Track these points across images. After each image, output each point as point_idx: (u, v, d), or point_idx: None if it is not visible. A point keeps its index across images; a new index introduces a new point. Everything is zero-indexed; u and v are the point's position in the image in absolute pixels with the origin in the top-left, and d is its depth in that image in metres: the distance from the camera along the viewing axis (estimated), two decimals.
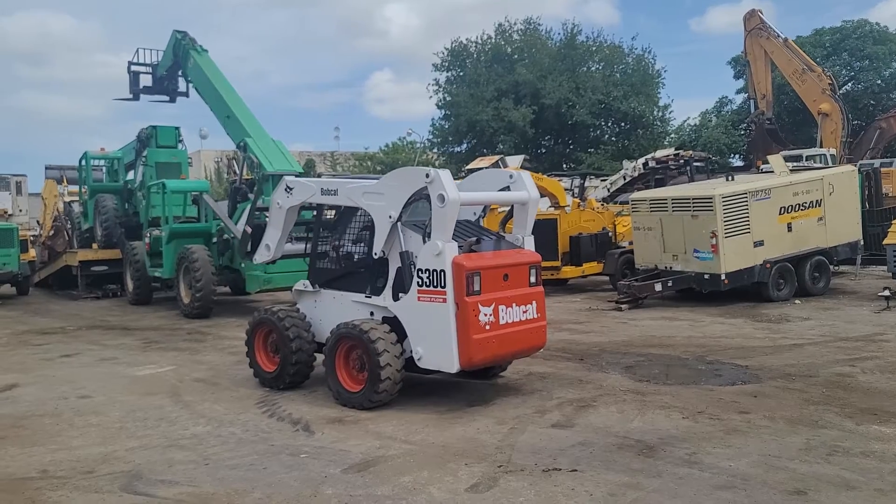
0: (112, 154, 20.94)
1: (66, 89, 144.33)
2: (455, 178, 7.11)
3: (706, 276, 13.59)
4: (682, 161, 20.80)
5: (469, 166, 26.57)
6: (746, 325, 11.69)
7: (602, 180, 31.46)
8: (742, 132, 40.90)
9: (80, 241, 20.79)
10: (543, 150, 44.45)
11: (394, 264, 7.32)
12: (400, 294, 7.21)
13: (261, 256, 8.95)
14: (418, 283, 6.96)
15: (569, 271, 16.98)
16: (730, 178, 15.43)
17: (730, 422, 6.42)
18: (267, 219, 9.19)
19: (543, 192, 16.73)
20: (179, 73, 20.06)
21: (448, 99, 43.65)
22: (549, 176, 20.01)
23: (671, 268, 14.26)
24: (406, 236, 7.16)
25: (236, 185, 15.61)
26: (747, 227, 13.60)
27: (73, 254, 19.71)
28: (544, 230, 15.18)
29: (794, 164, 20.86)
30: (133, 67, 20.98)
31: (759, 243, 13.69)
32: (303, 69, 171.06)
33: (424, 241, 6.98)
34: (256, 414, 7.21)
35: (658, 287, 14.01)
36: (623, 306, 13.78)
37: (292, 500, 4.98)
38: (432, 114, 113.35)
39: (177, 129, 19.13)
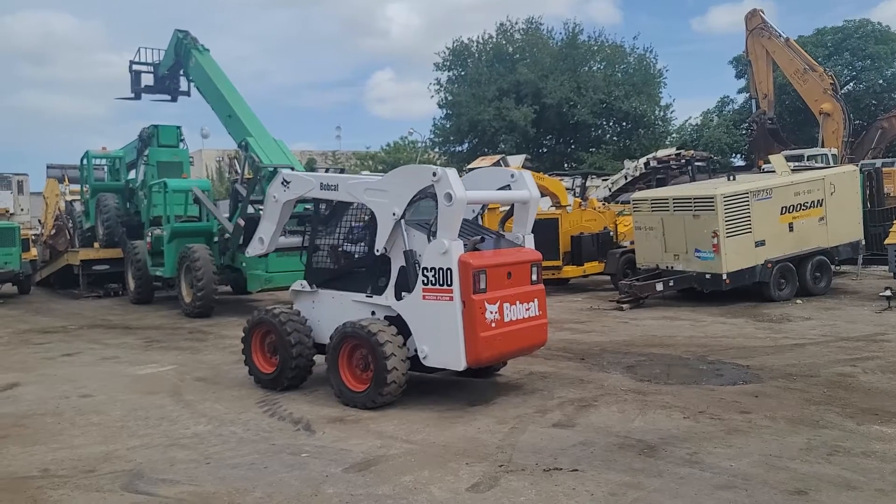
0: (114, 153, 20.97)
1: (68, 88, 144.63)
2: None
3: (707, 276, 13.59)
4: (683, 161, 20.78)
5: (470, 166, 26.55)
6: (748, 324, 11.69)
7: (603, 180, 31.45)
8: (743, 132, 40.85)
9: (81, 241, 20.80)
10: (545, 150, 44.45)
11: (396, 263, 7.31)
12: (403, 293, 7.21)
13: (253, 249, 8.85)
14: (423, 281, 6.97)
15: (570, 271, 16.98)
16: (731, 177, 15.42)
17: (731, 422, 6.42)
18: (261, 212, 9.13)
19: (545, 192, 16.75)
20: (181, 72, 20.10)
21: (449, 98, 43.66)
22: (550, 175, 20.03)
23: (672, 267, 14.25)
24: (410, 235, 7.16)
25: (237, 186, 15.61)
26: (749, 226, 13.59)
27: (75, 253, 19.74)
28: (545, 230, 15.19)
29: (796, 163, 20.87)
30: (135, 67, 21.03)
31: (760, 243, 13.68)
32: (304, 69, 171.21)
33: (429, 240, 6.98)
34: (257, 413, 7.21)
35: (659, 287, 14.01)
36: (624, 306, 13.78)
37: (293, 499, 4.98)
38: (434, 113, 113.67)
39: (178, 128, 19.15)
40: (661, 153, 29.23)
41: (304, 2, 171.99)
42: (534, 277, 7.55)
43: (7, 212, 29.90)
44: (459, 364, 6.86)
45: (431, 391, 7.71)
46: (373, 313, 7.48)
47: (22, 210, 32.61)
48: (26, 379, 9.22)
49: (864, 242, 15.49)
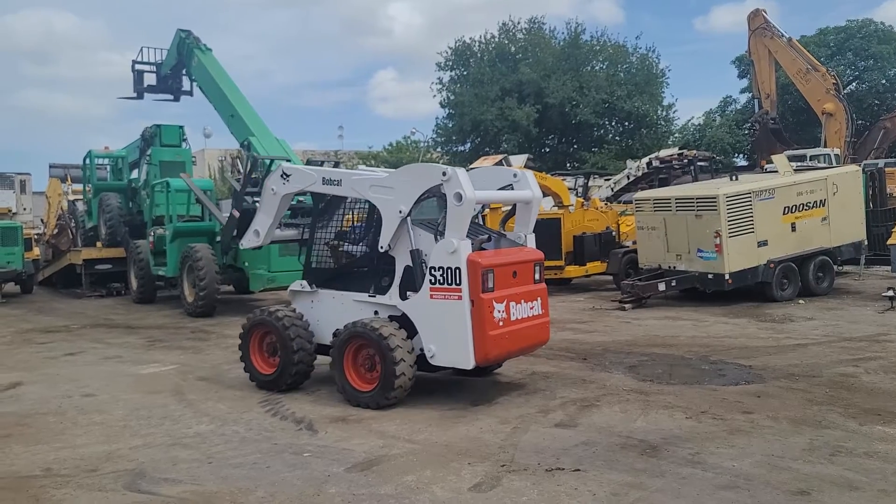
0: (116, 153, 20.99)
1: (71, 88, 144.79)
2: None
3: (710, 276, 13.58)
4: (685, 161, 20.84)
5: (473, 165, 26.54)
6: (750, 324, 11.67)
7: (606, 180, 31.38)
8: (746, 132, 40.82)
9: (84, 240, 20.82)
10: (547, 150, 44.40)
11: (401, 263, 7.31)
12: (408, 292, 7.21)
13: (248, 242, 8.77)
14: (431, 281, 6.97)
15: (572, 271, 16.97)
16: (734, 177, 15.40)
17: (733, 422, 6.41)
18: (257, 204, 9.09)
19: (547, 192, 16.75)
20: (183, 71, 20.13)
21: (452, 98, 43.62)
22: (552, 175, 20.01)
23: (675, 267, 14.24)
24: (416, 234, 7.15)
25: (234, 181, 15.63)
26: (751, 226, 13.58)
27: (77, 252, 19.76)
28: (548, 229, 15.20)
29: (798, 163, 20.85)
30: (137, 66, 21.06)
31: (762, 243, 13.67)
32: (306, 68, 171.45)
33: (436, 240, 6.98)
34: (260, 413, 7.21)
35: (661, 287, 14.00)
36: (626, 306, 13.78)
37: (295, 498, 4.99)
38: (436, 113, 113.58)
39: (181, 127, 19.16)
40: (663, 153, 29.17)
41: (306, 1, 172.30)
42: (537, 277, 7.61)
43: (10, 211, 29.88)
44: (468, 363, 6.87)
45: (434, 391, 7.71)
46: (376, 313, 7.47)
47: (24, 209, 32.60)
48: (29, 378, 9.24)
49: (866, 242, 15.47)
